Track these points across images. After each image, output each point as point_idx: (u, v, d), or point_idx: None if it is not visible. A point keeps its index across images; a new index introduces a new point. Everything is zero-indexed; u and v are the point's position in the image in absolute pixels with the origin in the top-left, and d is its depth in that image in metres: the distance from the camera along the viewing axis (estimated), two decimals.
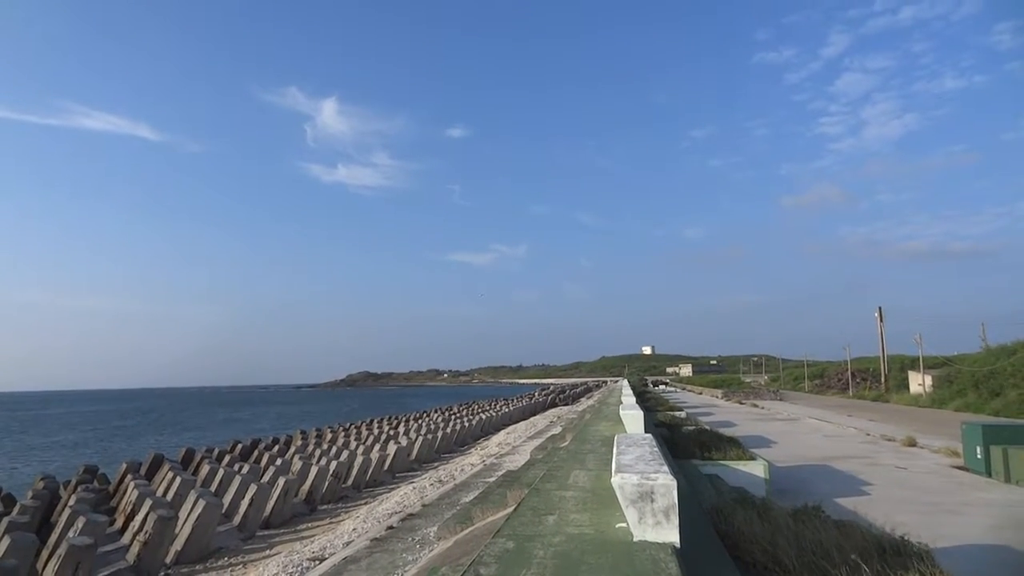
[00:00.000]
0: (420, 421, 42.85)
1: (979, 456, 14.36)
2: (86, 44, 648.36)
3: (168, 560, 12.02)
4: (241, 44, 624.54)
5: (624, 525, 3.87)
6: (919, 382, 47.15)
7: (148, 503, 13.00)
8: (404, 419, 46.41)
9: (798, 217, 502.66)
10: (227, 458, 25.67)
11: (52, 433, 62.88)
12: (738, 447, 13.06)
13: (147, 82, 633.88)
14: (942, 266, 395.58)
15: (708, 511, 6.69)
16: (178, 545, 12.24)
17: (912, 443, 19.71)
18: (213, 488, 17.62)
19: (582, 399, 64.78)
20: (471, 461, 20.67)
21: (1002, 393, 33.74)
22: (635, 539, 3.68)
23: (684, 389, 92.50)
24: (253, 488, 14.82)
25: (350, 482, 19.57)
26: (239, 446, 29.37)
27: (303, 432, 37.58)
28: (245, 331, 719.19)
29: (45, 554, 11.81)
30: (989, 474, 13.89)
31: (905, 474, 14.63)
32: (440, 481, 16.34)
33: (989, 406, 33.04)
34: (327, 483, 17.86)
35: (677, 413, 25.05)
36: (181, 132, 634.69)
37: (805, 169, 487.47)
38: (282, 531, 14.71)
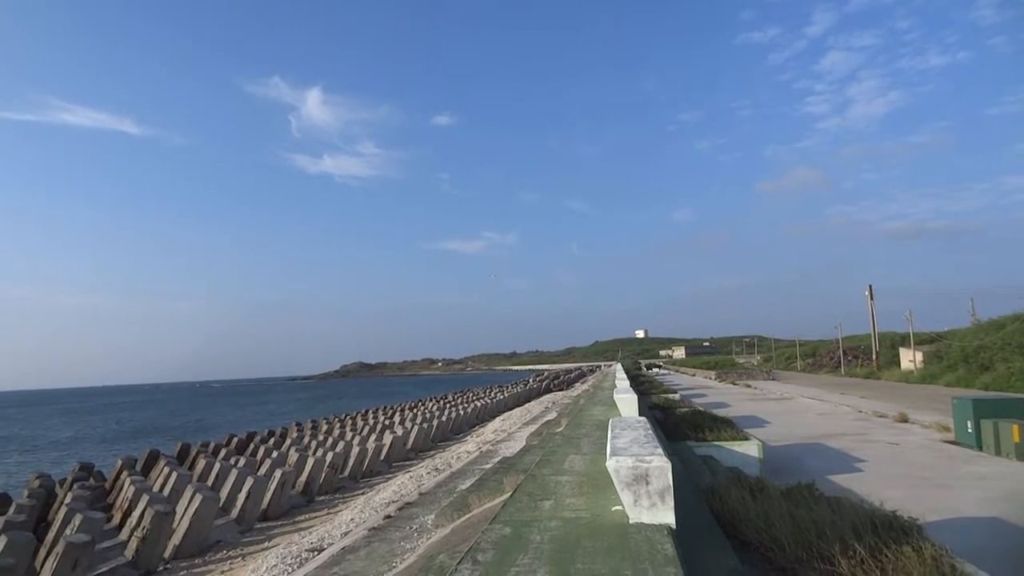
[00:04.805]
0: (415, 410, 42.93)
1: (969, 430, 14.52)
2: (65, 38, 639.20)
3: (166, 555, 12.03)
4: (223, 34, 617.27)
5: (620, 508, 3.89)
6: (910, 358, 47.62)
7: (145, 499, 13.00)
8: (399, 408, 46.50)
9: (784, 198, 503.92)
10: (223, 452, 25.64)
11: (51, 431, 62.65)
12: (732, 428, 13.16)
13: (129, 76, 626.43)
14: (930, 243, 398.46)
15: (703, 492, 6.75)
16: (176, 540, 12.25)
17: (904, 419, 19.92)
18: (210, 482, 17.62)
19: (576, 384, 65.04)
20: (467, 448, 20.74)
21: (991, 367, 34.13)
22: (631, 521, 3.70)
23: (678, 371, 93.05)
24: (250, 481, 14.83)
25: (347, 472, 19.61)
26: (235, 439, 29.35)
27: (299, 424, 37.61)
28: (236, 325, 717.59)
29: (43, 552, 11.80)
30: (979, 448, 14.06)
31: (897, 450, 14.78)
32: (436, 469, 16.39)
33: (979, 380, 33.42)
34: (324, 474, 17.89)
35: (671, 395, 25.21)
36: (165, 126, 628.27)
37: (791, 149, 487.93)
38: (280, 523, 14.74)
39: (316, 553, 9.44)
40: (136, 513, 13.03)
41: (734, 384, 50.97)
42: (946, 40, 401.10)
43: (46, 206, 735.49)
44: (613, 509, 4.06)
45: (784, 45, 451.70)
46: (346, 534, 10.24)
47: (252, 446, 28.14)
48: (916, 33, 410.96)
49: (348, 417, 41.02)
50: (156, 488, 16.75)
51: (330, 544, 9.75)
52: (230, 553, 12.27)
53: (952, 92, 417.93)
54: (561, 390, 59.77)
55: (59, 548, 10.16)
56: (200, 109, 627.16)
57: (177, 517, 12.63)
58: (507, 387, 67.79)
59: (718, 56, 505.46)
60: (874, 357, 53.92)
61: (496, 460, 14.32)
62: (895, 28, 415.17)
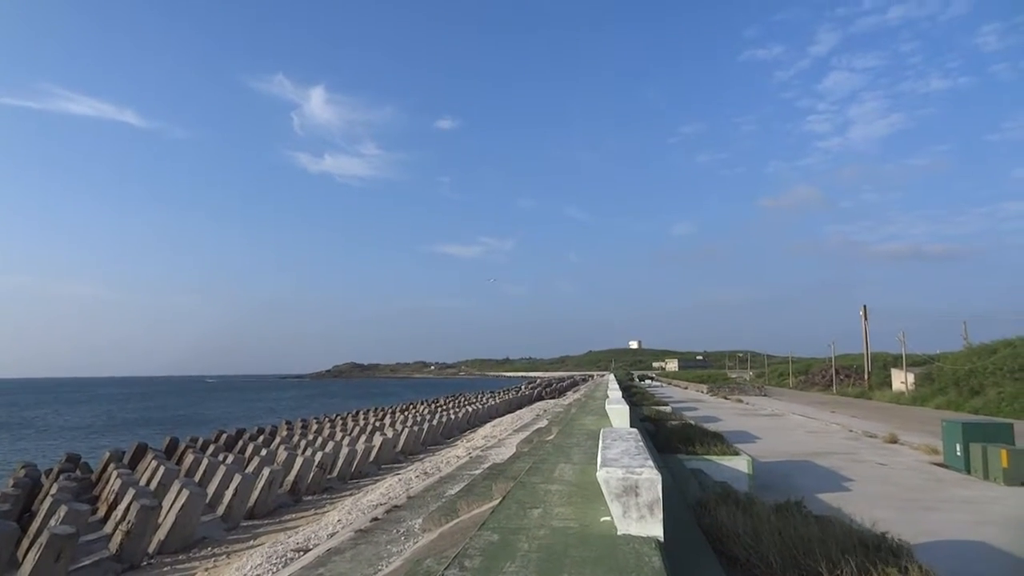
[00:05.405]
0: (406, 413, 42.82)
1: (958, 453, 14.55)
2: (70, 27, 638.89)
3: (151, 550, 11.95)
4: (228, 29, 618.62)
5: (608, 519, 3.89)
6: (901, 380, 47.70)
7: (131, 492, 12.91)
8: (390, 410, 46.35)
9: (783, 215, 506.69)
10: (211, 448, 25.52)
11: (40, 419, 62.21)
12: (722, 442, 13.15)
13: (133, 67, 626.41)
14: (926, 265, 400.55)
15: (692, 506, 6.74)
16: (161, 535, 12.17)
17: (893, 440, 19.95)
18: (197, 478, 17.53)
19: (568, 393, 64.97)
20: (457, 453, 20.69)
21: (982, 391, 34.21)
22: (619, 533, 3.70)
23: (670, 384, 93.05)
24: (237, 478, 14.75)
25: (335, 473, 19.53)
26: (224, 436, 29.22)
27: (288, 422, 37.44)
28: (233, 320, 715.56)
29: (26, 543, 11.71)
30: (968, 471, 14.09)
31: (886, 470, 14.81)
32: (426, 473, 16.34)
33: (969, 404, 33.50)
34: (312, 474, 17.82)
35: (663, 408, 25.19)
36: (167, 118, 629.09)
37: (792, 166, 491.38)
38: (266, 522, 14.66)
39: (302, 553, 9.39)
40: (122, 506, 12.94)
41: (726, 399, 50.98)
42: (948, 65, 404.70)
43: (45, 193, 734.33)
44: (602, 520, 4.06)
45: (788, 63, 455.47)
46: (332, 535, 10.20)
47: (241, 443, 28.02)
48: (919, 57, 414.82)
49: (339, 417, 40.86)
50: (143, 482, 16.64)
51: (316, 545, 9.71)
52: (215, 550, 12.20)
53: (953, 116, 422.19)
54: (553, 398, 59.71)
55: (43, 539, 10.08)
56: (202, 103, 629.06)
57: (163, 512, 12.55)
58: (499, 393, 67.65)
59: (721, 71, 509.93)
60: (866, 377, 54.01)
61: (486, 466, 14.29)
62: (899, 51, 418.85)
